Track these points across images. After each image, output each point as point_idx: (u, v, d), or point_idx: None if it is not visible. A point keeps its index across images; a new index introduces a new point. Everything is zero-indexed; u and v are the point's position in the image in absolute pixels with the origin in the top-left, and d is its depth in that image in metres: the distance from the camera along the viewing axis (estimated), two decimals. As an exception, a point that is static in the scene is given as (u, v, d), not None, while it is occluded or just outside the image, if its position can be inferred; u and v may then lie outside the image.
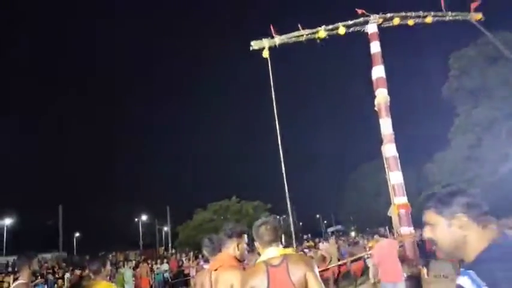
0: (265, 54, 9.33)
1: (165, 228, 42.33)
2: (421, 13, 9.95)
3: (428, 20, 10.02)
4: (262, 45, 9.33)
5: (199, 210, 32.82)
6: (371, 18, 9.63)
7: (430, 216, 1.30)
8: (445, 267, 10.15)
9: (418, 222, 7.84)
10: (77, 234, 49.08)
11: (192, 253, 21.06)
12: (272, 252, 2.23)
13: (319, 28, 9.53)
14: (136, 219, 46.86)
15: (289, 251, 2.36)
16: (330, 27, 9.58)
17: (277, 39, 9.47)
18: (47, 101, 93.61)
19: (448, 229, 1.23)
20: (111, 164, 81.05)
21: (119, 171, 76.55)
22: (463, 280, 1.14)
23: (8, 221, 35.64)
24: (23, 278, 3.52)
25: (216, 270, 2.55)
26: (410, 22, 9.99)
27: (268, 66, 9.13)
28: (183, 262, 19.43)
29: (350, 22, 9.59)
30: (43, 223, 41.39)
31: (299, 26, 9.35)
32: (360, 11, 9.63)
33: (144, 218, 46.08)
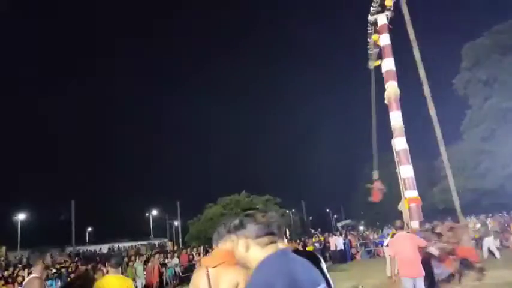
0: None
1: (176, 223, 42.66)
2: None
3: None
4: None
5: (210, 205, 32.98)
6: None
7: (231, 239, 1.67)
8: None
9: (429, 216, 7.75)
10: (89, 229, 49.78)
11: (202, 247, 21.18)
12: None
13: None
14: (147, 214, 47.32)
15: (294, 246, 2.29)
16: None
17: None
18: (65, 97, 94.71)
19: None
20: (123, 160, 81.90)
21: (130, 167, 77.39)
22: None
23: (21, 216, 36.23)
24: (36, 272, 3.59)
25: (214, 267, 2.30)
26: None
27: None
28: (193, 256, 19.57)
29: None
30: (56, 218, 42.11)
31: None
32: None
33: (154, 212, 46.49)
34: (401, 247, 5.88)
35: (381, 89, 9.76)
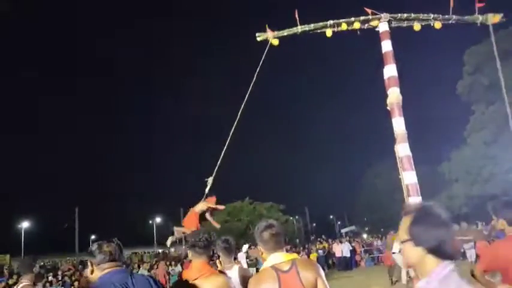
0: (275, 42, 9.36)
1: (179, 230, 42.57)
2: (431, 15, 9.73)
3: (437, 25, 9.77)
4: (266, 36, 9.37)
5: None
6: (382, 16, 9.53)
7: None
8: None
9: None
10: (93, 237, 49.78)
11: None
12: (279, 258, 2.17)
13: (328, 22, 9.43)
14: (150, 221, 47.32)
15: (295, 256, 2.28)
16: (341, 20, 9.47)
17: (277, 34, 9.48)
18: (59, 106, 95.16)
19: None
20: (126, 168, 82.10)
21: (133, 175, 77.52)
22: None
23: (25, 224, 36.31)
24: (27, 280, 3.67)
25: (196, 279, 2.39)
26: (417, 27, 9.76)
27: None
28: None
29: (362, 18, 9.49)
30: (60, 225, 42.15)
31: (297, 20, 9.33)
32: (369, 11, 9.54)
33: (158, 219, 46.48)
34: None
35: (381, 94, 9.79)
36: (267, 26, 9.42)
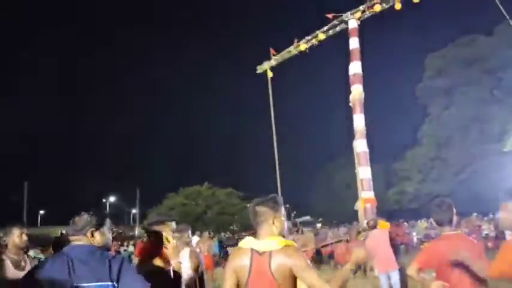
0: (270, 74, 10.81)
1: (134, 211, 41.87)
2: None
3: (397, 6, 10.03)
4: (264, 68, 10.64)
5: (171, 195, 32.58)
6: (343, 16, 9.80)
7: None
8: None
9: (383, 217, 8.08)
10: (42, 212, 47.91)
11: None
12: (271, 241, 2.00)
13: (301, 41, 10.37)
14: (104, 200, 46.07)
15: (290, 242, 2.04)
16: (310, 37, 10.34)
17: (274, 60, 10.75)
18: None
19: None
20: (82, 142, 79.13)
21: (89, 150, 74.88)
22: None
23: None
24: None
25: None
26: (398, 5, 9.94)
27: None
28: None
29: (325, 28, 10.00)
30: (7, 198, 40.14)
31: (295, 40, 10.29)
32: (330, 16, 9.87)
33: (112, 199, 45.34)
34: (378, 243, 6.15)
35: (344, 90, 10.05)
36: (271, 51, 10.52)
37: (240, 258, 2.02)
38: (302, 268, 1.89)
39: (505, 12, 8.83)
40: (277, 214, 2.09)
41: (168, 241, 2.50)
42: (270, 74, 10.51)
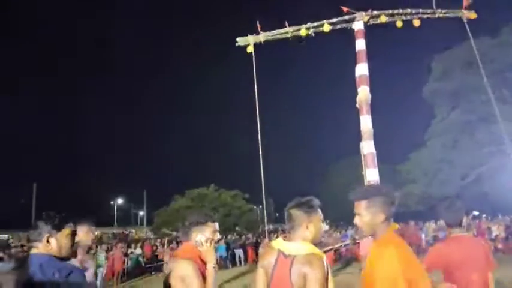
0: (250, 49, 9.37)
1: (141, 213, 42.04)
2: (409, 11, 9.85)
3: (416, 22, 9.97)
4: (247, 41, 9.37)
5: (177, 197, 32.68)
6: (357, 15, 9.67)
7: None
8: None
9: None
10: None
11: (166, 239, 21.03)
12: (299, 245, 1.98)
13: (303, 26, 9.49)
14: (111, 202, 46.35)
15: (317, 251, 1.99)
16: (315, 24, 9.54)
17: (262, 36, 9.47)
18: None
19: None
20: (92, 146, 79.71)
21: (99, 154, 75.38)
22: None
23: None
24: None
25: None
26: (399, 24, 9.91)
27: (252, 62, 9.24)
28: (157, 247, 19.39)
29: (335, 20, 9.59)
30: (17, 201, 40.57)
31: (286, 23, 9.37)
32: (345, 9, 9.63)
33: (120, 201, 45.60)
34: None
35: (352, 92, 10.01)
36: (258, 24, 9.37)
37: (268, 258, 2.05)
38: (312, 280, 1.82)
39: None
40: (311, 218, 2.04)
41: (202, 244, 2.33)
42: (250, 49, 9.26)
